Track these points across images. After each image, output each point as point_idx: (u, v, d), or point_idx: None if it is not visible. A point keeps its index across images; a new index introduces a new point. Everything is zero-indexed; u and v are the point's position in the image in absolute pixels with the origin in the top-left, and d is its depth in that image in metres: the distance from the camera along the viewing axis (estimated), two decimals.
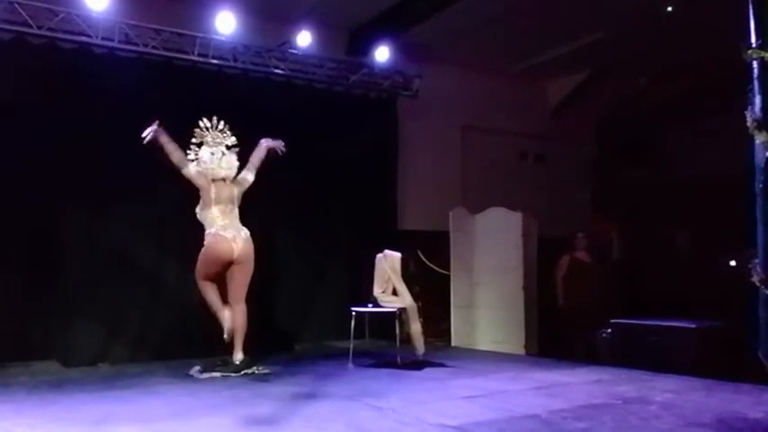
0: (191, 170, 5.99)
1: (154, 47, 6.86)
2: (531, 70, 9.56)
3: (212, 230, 5.97)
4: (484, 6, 7.45)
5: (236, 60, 7.41)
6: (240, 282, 6.07)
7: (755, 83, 5.19)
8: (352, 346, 6.39)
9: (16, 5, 6.16)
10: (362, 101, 8.44)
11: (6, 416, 4.17)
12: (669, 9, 7.65)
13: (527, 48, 8.88)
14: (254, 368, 5.90)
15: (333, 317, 7.50)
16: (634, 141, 10.37)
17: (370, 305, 6.40)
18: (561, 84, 10.13)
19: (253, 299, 7.36)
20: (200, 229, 7.28)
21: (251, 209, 7.42)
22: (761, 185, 5.12)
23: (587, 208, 10.46)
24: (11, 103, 6.16)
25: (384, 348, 6.99)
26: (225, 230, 5.98)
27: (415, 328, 6.23)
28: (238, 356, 5.91)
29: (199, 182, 6.02)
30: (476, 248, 8.45)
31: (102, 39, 6.61)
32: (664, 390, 4.83)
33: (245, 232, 6.10)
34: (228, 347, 5.95)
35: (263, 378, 5.67)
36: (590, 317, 7.49)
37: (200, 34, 7.03)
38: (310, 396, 4.85)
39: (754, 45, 5.19)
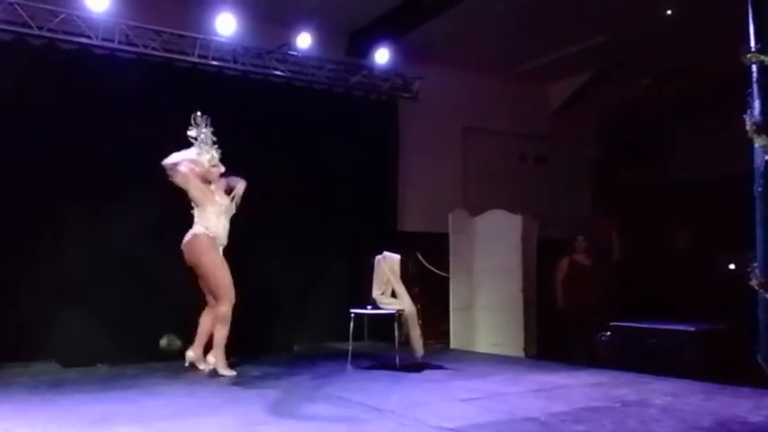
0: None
1: (154, 48, 6.87)
2: (532, 72, 9.56)
3: None
4: (485, 8, 7.45)
5: (236, 62, 7.42)
6: (203, 286, 5.96)
7: (755, 86, 5.20)
8: (351, 347, 6.39)
9: (16, 6, 6.17)
10: (362, 103, 8.44)
11: (6, 416, 4.17)
12: (669, 12, 7.66)
13: (528, 50, 8.89)
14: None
15: (332, 318, 7.50)
16: (635, 143, 10.36)
17: (369, 307, 6.40)
18: (562, 85, 10.14)
19: (252, 299, 7.37)
20: None
21: (251, 210, 7.44)
22: (760, 189, 5.13)
23: (587, 209, 10.46)
24: (11, 104, 6.17)
25: (383, 350, 6.99)
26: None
27: (415, 333, 6.23)
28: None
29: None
30: (475, 250, 8.45)
31: (103, 40, 6.63)
32: (663, 393, 4.83)
33: (189, 233, 5.91)
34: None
35: (262, 379, 5.67)
36: (589, 319, 7.48)
37: (201, 36, 7.05)
38: (309, 397, 4.84)
39: (753, 49, 5.20)
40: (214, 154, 5.96)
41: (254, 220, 7.45)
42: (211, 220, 5.86)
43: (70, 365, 6.21)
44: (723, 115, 6.30)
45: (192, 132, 5.91)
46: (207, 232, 5.83)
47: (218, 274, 5.78)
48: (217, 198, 5.96)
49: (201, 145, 5.92)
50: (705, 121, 8.97)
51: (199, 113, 5.93)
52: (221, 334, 5.75)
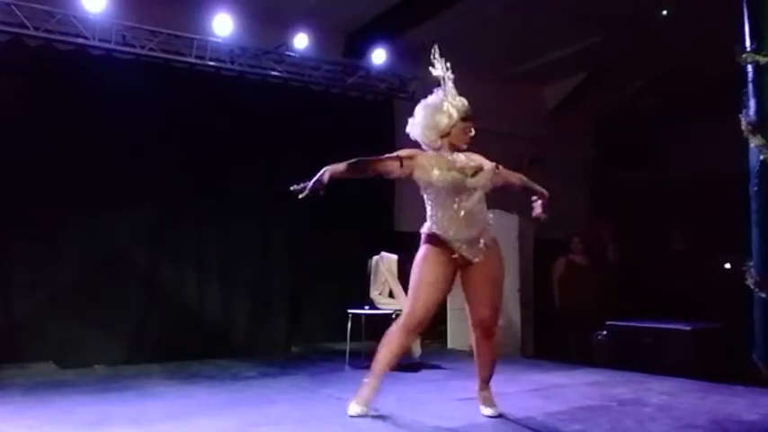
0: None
1: (151, 48, 6.86)
2: (528, 73, 9.58)
3: None
4: (481, 9, 7.47)
5: (233, 62, 7.41)
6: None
7: (750, 86, 5.23)
8: (348, 347, 6.40)
9: (13, 7, 6.15)
10: (359, 103, 8.44)
11: (3, 417, 4.17)
12: (664, 13, 7.68)
13: (523, 51, 8.90)
14: None
15: (329, 318, 7.52)
16: (631, 143, 10.39)
17: (366, 307, 6.41)
18: (558, 86, 10.15)
19: (249, 299, 7.39)
20: (199, 230, 7.32)
21: (247, 211, 7.45)
22: (755, 188, 5.15)
23: (584, 210, 10.48)
24: (7, 104, 6.16)
25: None
26: None
27: None
28: None
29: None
30: None
31: (99, 40, 6.61)
32: (659, 392, 4.85)
33: None
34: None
35: (260, 379, 5.67)
36: (586, 319, 7.50)
37: (198, 36, 7.04)
38: (307, 398, 4.85)
39: (748, 48, 5.23)
40: (464, 102, 4.22)
41: (251, 220, 7.48)
42: (436, 211, 4.03)
43: (67, 367, 6.22)
44: (719, 115, 6.33)
45: (437, 70, 4.22)
46: (428, 230, 4.05)
47: (412, 285, 4.02)
48: (435, 174, 3.96)
49: (448, 90, 4.22)
50: (701, 121, 9.00)
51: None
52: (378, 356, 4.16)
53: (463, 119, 4.14)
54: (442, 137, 4.09)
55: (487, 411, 4.09)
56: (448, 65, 4.23)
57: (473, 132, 4.22)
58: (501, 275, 4.10)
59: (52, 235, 6.44)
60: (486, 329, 4.00)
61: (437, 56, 4.20)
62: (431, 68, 4.21)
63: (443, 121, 4.06)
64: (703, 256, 8.64)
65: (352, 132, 8.12)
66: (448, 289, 4.05)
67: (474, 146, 4.31)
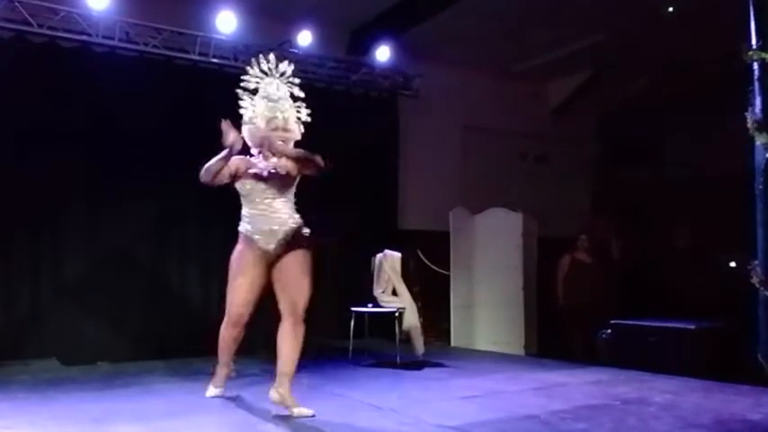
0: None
1: (154, 46, 6.86)
2: (532, 71, 9.56)
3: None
4: (485, 6, 7.45)
5: (236, 60, 7.40)
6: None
7: (756, 84, 5.21)
8: (351, 345, 6.40)
9: (17, 4, 6.15)
10: (363, 100, 8.43)
11: (6, 414, 4.17)
12: (670, 10, 7.65)
13: (528, 48, 8.88)
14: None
15: (332, 316, 7.50)
16: (635, 141, 10.37)
17: (369, 305, 6.41)
18: (562, 84, 10.13)
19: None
20: (202, 227, 7.31)
21: None
22: (761, 187, 5.13)
23: (587, 208, 10.47)
24: (10, 102, 6.17)
25: (383, 348, 6.99)
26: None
27: (416, 331, 6.24)
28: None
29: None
30: (476, 248, 8.45)
31: (103, 37, 6.60)
32: (663, 391, 4.84)
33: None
34: None
35: (262, 376, 5.67)
36: (590, 317, 7.49)
37: (201, 33, 7.03)
38: (309, 395, 4.84)
39: (754, 46, 5.20)
40: (280, 112, 4.48)
41: None
42: (245, 210, 4.37)
43: (71, 363, 6.22)
44: (722, 114, 6.31)
45: (248, 82, 4.62)
46: (241, 229, 4.37)
47: (230, 284, 4.42)
48: (247, 182, 4.34)
49: (261, 100, 4.51)
50: (705, 120, 8.97)
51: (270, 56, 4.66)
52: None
53: (273, 128, 4.51)
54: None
55: (295, 411, 4.08)
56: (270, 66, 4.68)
57: (291, 137, 4.69)
58: (307, 266, 4.32)
59: (55, 232, 6.45)
60: (299, 315, 4.21)
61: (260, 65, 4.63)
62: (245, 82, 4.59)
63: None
64: (707, 256, 8.62)
65: (356, 129, 8.12)
66: (263, 284, 4.32)
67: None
